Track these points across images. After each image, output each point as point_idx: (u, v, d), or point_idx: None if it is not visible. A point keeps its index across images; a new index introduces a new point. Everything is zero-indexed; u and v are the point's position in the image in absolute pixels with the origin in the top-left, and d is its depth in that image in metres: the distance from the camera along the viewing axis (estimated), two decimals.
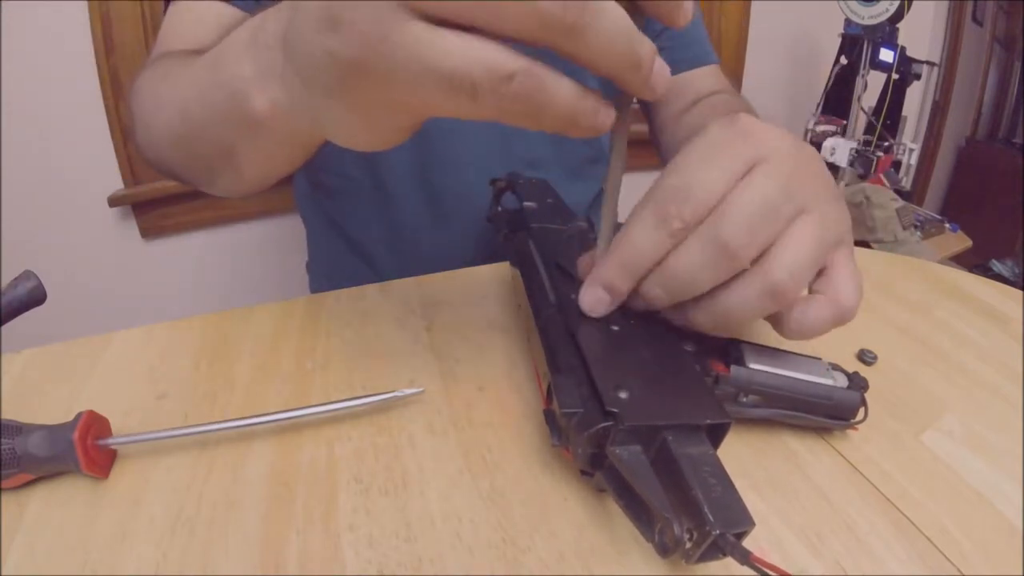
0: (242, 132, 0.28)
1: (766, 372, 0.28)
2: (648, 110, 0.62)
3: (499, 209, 0.47)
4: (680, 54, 0.59)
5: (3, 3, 0.97)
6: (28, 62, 1.02)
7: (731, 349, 0.29)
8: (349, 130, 0.22)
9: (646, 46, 0.19)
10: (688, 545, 0.19)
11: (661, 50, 0.56)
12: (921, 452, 0.29)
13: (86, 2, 1.03)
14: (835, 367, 0.30)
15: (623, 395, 0.23)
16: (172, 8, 0.47)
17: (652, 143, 0.63)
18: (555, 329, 0.28)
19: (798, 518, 0.25)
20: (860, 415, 0.29)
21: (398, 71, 0.17)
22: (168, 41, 0.45)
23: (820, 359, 0.29)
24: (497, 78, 0.17)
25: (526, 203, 0.41)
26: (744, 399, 0.28)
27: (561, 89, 0.18)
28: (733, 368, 0.28)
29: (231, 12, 0.45)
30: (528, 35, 0.17)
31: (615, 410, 0.22)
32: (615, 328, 0.27)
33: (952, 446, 0.29)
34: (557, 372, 0.25)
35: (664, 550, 0.20)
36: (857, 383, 0.29)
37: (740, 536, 0.19)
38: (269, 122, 0.26)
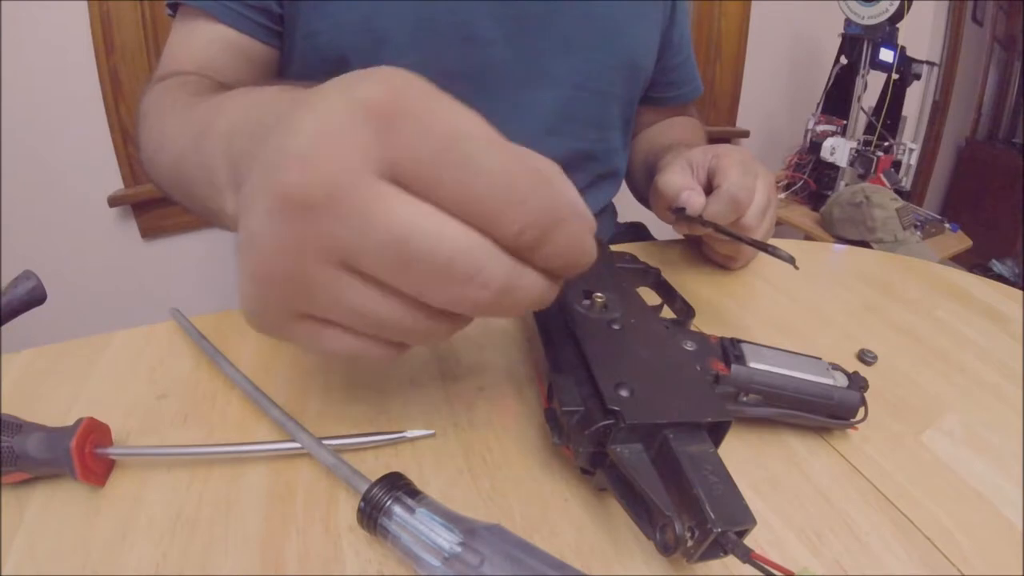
0: (221, 217, 0.29)
1: (767, 371, 0.28)
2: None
3: None
4: (674, 91, 0.67)
5: (3, 3, 0.97)
6: (28, 62, 1.02)
7: (731, 348, 0.29)
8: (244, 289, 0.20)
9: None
10: (689, 543, 0.19)
11: (667, 84, 0.68)
12: (921, 452, 0.29)
13: (86, 2, 1.03)
14: (835, 367, 0.30)
15: (624, 393, 0.23)
16: (177, 24, 0.48)
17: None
18: (556, 328, 0.28)
19: (798, 518, 0.25)
20: (860, 415, 0.29)
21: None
22: (175, 57, 0.46)
23: (820, 359, 0.29)
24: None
25: None
26: (744, 398, 0.28)
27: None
28: (734, 367, 0.28)
29: (233, 36, 0.46)
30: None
31: (616, 408, 0.22)
32: (616, 327, 0.27)
33: (952, 446, 0.29)
34: (558, 371, 0.25)
35: (666, 548, 0.20)
36: (857, 383, 0.29)
37: (741, 534, 0.19)
38: (220, 219, 0.29)
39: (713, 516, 0.19)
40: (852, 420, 0.29)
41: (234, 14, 0.45)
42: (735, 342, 0.29)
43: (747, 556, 0.19)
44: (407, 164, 0.16)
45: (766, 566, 0.18)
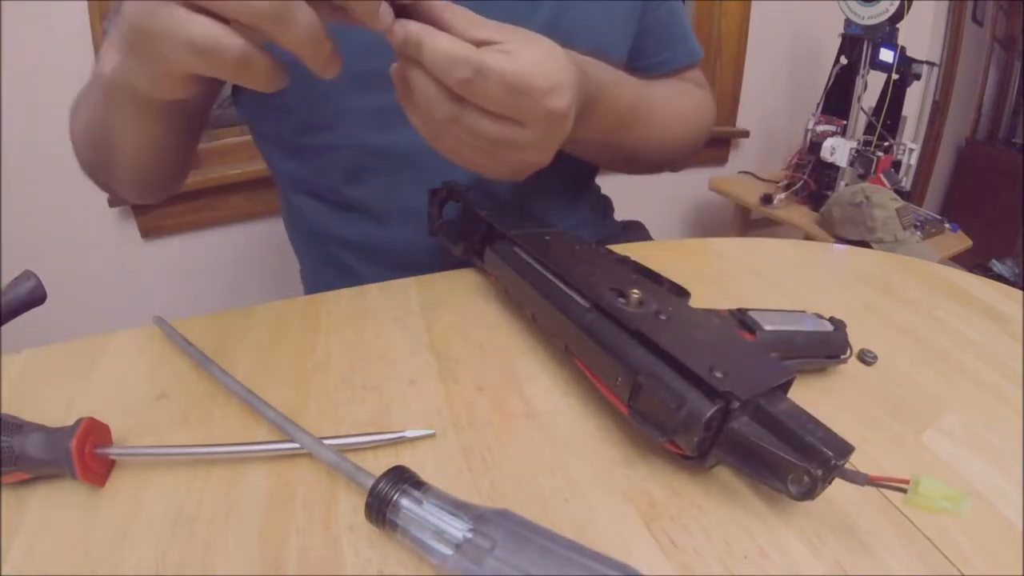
0: (104, 103, 0.39)
1: (780, 331, 0.31)
2: None
3: (441, 221, 0.45)
4: (660, 56, 0.57)
5: (3, 3, 0.97)
6: (28, 61, 1.02)
7: (744, 318, 0.31)
8: (144, 80, 0.30)
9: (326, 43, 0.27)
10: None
11: (642, 49, 0.56)
12: (921, 452, 0.29)
13: (86, 2, 1.03)
14: (818, 316, 0.33)
15: (719, 375, 0.24)
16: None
17: None
18: (606, 331, 0.28)
19: (798, 518, 0.25)
20: (848, 352, 0.33)
21: (163, 37, 0.26)
22: None
23: (804, 311, 0.33)
24: (218, 47, 0.25)
25: (483, 211, 0.40)
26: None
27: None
28: (758, 332, 0.30)
29: None
30: (249, 23, 0.25)
31: (728, 389, 0.23)
32: (663, 318, 0.28)
33: (952, 446, 0.29)
34: (641, 372, 0.25)
35: (805, 492, 0.22)
36: (838, 324, 0.33)
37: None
38: (111, 80, 0.35)
39: (831, 453, 0.21)
40: (843, 356, 0.33)
41: None
42: (742, 312, 0.31)
43: (866, 480, 0.22)
44: None
45: (885, 483, 0.22)
